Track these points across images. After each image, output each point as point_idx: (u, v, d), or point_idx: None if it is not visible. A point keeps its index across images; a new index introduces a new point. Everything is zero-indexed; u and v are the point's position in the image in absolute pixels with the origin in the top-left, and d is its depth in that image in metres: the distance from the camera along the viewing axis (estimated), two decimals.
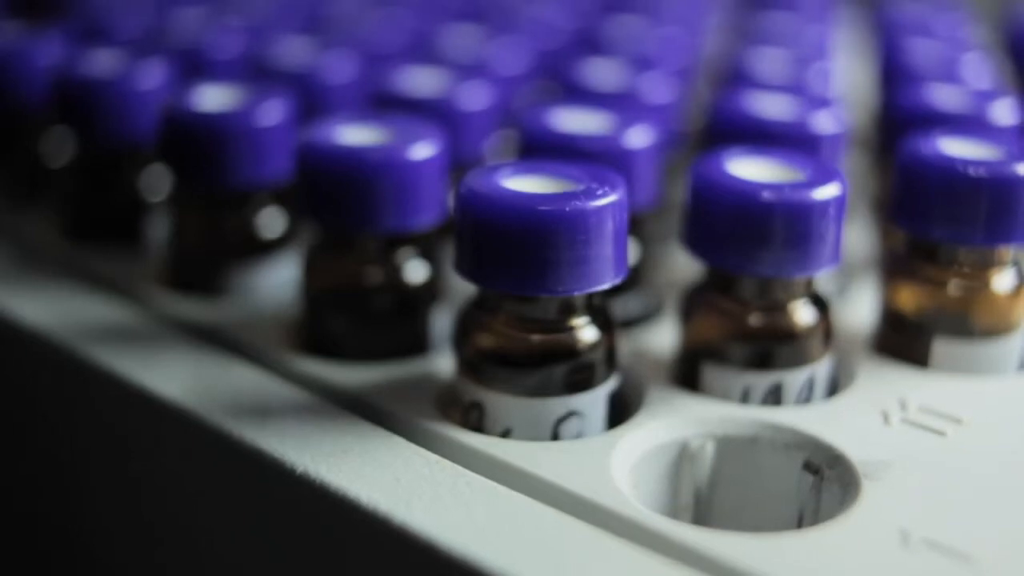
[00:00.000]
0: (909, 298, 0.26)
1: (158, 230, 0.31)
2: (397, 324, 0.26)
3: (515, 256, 0.22)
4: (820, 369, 0.25)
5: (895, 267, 0.27)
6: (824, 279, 0.26)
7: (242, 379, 0.25)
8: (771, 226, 0.23)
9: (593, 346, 0.23)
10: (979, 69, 0.38)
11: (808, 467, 0.23)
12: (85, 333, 0.27)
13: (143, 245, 0.31)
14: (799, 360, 0.25)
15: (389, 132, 0.26)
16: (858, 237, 0.33)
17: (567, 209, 0.22)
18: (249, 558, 0.25)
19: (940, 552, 0.20)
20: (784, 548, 0.20)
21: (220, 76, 0.33)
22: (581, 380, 0.23)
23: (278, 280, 0.29)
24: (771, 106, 0.30)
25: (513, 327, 0.23)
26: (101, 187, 0.32)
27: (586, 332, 0.23)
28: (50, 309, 0.28)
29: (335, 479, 0.22)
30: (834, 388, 0.25)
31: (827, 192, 0.23)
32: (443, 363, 0.25)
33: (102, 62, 0.32)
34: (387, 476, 0.22)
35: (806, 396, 0.25)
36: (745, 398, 0.24)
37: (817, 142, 0.29)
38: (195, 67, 0.35)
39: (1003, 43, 0.47)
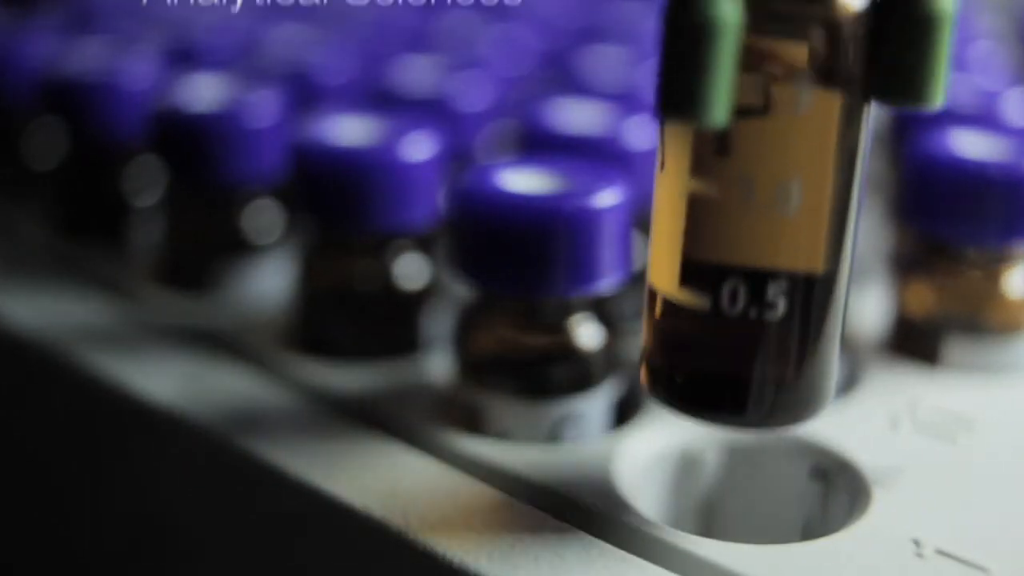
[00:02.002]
0: (920, 297, 0.26)
1: (150, 227, 0.30)
2: (394, 324, 0.26)
3: (514, 256, 0.21)
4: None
5: (906, 266, 0.26)
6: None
7: (234, 381, 0.25)
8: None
9: (594, 347, 0.23)
10: (993, 61, 0.38)
11: (815, 474, 0.22)
12: (72, 332, 0.27)
13: (134, 242, 0.31)
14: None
15: (385, 129, 0.26)
16: (870, 235, 0.32)
17: (568, 208, 0.21)
18: (241, 565, 0.24)
19: (956, 563, 0.19)
20: (793, 559, 0.19)
21: (213, 68, 0.33)
22: (582, 382, 0.23)
23: (272, 279, 0.29)
24: None
25: (512, 328, 0.23)
26: (92, 183, 0.31)
27: (587, 333, 0.23)
28: (37, 307, 0.28)
29: (329, 485, 0.21)
30: (842, 390, 0.25)
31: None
32: (441, 364, 0.25)
33: (91, 56, 0.32)
34: (382, 481, 0.21)
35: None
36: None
37: None
38: (187, 59, 0.34)
39: (1018, 34, 0.46)
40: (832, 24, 0.17)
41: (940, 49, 0.17)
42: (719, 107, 0.16)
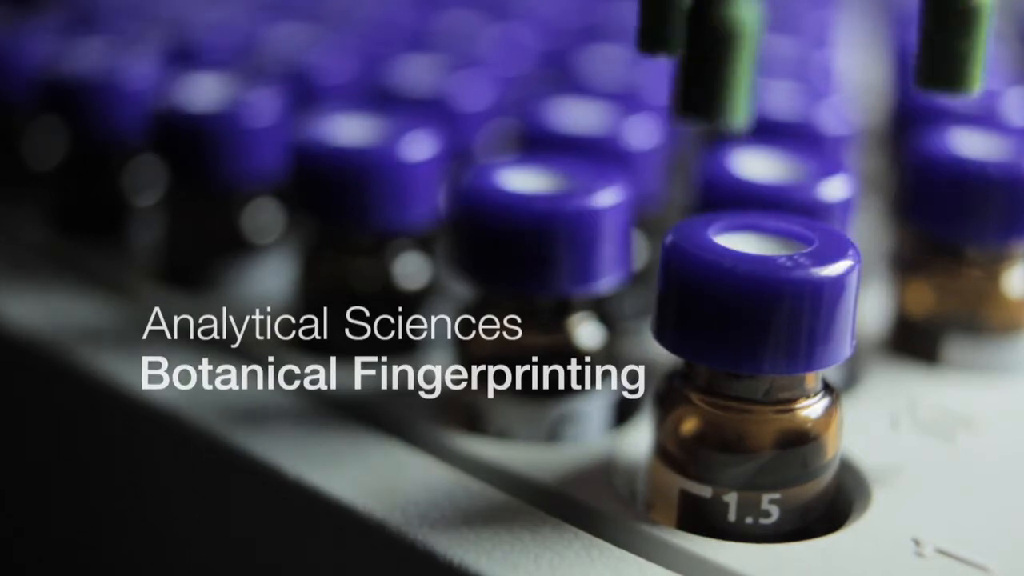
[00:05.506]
0: (920, 297, 0.26)
1: (150, 227, 0.30)
2: (394, 324, 0.26)
3: (514, 256, 0.21)
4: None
5: (906, 266, 0.26)
6: None
7: (234, 381, 0.25)
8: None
9: (594, 347, 0.23)
10: (993, 61, 0.37)
11: None
12: (72, 332, 0.27)
13: (134, 242, 0.31)
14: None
15: (385, 129, 0.26)
16: (870, 235, 0.32)
17: (568, 208, 0.21)
18: (242, 564, 0.24)
19: (955, 562, 0.19)
20: (793, 558, 0.19)
21: (213, 68, 0.33)
22: (582, 382, 0.23)
23: (272, 279, 0.28)
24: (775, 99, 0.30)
25: (512, 328, 0.23)
26: (92, 183, 0.31)
27: (587, 333, 0.23)
28: (37, 307, 0.28)
29: (329, 485, 0.21)
30: (843, 390, 0.25)
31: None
32: (441, 364, 0.25)
33: (91, 56, 0.32)
34: (382, 481, 0.21)
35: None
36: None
37: (822, 137, 0.28)
38: (187, 59, 0.34)
39: (1018, 34, 0.46)
40: None
41: (981, 40, 0.18)
42: (741, 111, 0.16)
